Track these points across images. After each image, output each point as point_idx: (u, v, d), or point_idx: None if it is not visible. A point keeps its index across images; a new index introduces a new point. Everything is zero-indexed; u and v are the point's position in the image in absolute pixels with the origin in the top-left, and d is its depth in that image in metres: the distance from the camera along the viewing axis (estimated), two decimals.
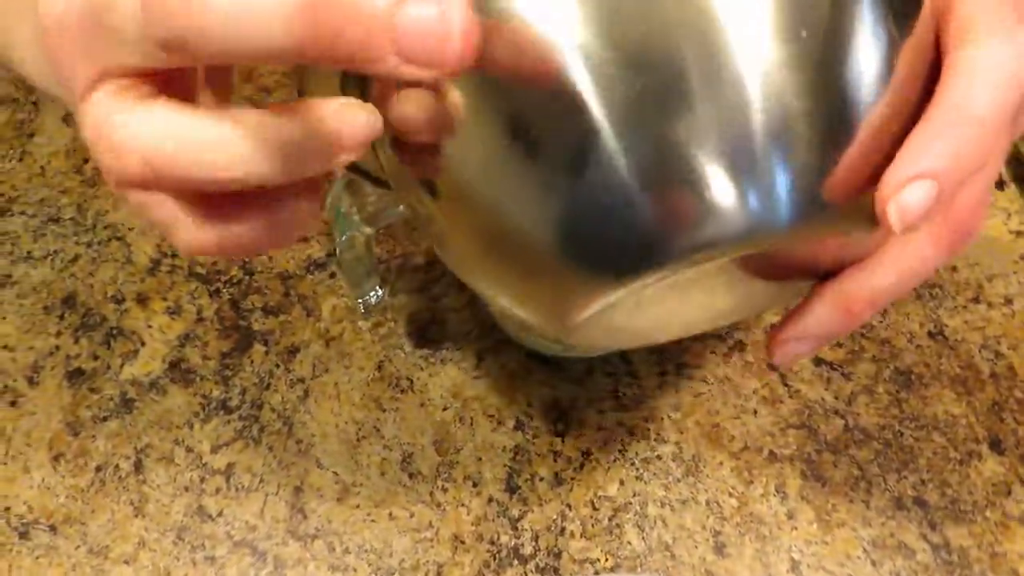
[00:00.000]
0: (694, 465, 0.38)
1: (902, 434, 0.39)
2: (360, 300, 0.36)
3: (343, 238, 0.31)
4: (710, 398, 0.40)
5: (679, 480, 0.38)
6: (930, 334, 0.42)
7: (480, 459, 0.38)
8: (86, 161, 0.46)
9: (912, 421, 0.39)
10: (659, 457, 0.38)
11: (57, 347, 0.40)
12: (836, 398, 0.40)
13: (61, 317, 0.41)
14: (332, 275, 0.43)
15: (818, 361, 0.41)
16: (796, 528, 0.37)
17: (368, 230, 0.31)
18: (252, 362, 0.40)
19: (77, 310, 0.41)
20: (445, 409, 0.40)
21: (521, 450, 0.39)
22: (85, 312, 0.41)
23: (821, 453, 0.39)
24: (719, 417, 0.39)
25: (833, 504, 0.37)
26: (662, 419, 0.39)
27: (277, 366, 0.40)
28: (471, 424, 0.39)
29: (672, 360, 0.41)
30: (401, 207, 0.31)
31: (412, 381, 0.40)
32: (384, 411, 0.40)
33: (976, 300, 0.42)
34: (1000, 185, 0.46)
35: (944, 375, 0.40)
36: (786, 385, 0.40)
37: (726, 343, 0.41)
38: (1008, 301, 0.42)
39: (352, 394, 0.40)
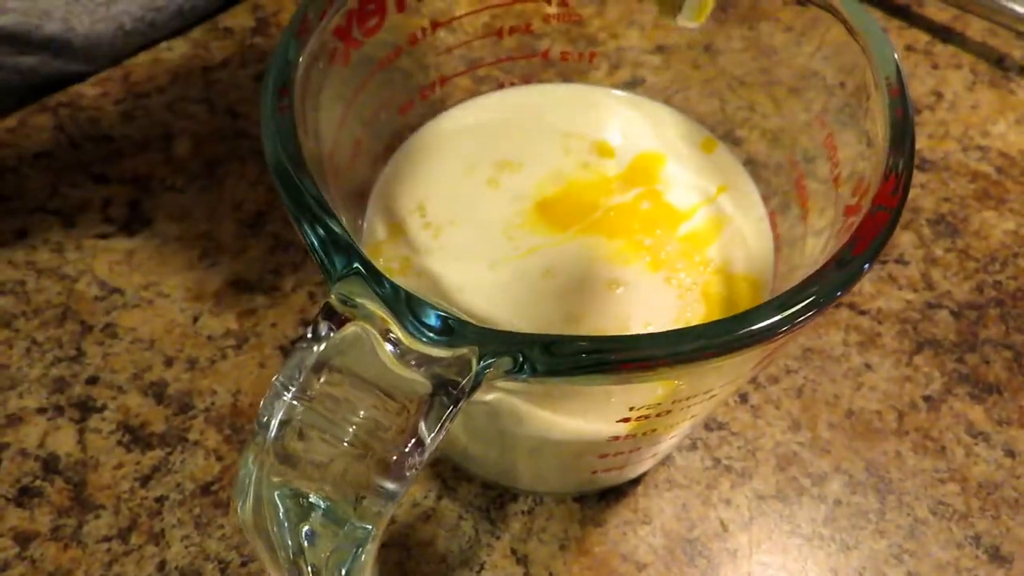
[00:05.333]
0: (884, 484, 0.26)
1: (999, 284, 0.30)
2: None
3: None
4: (812, 382, 0.28)
5: (908, 534, 0.25)
6: (920, 168, 0.34)
7: None
8: None
9: (993, 260, 0.31)
10: (838, 503, 0.25)
11: None
12: (915, 290, 0.30)
13: None
14: None
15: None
16: None
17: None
18: None
19: None
20: None
21: None
22: None
23: (963, 359, 0.28)
24: (841, 400, 0.27)
25: None
26: (794, 453, 0.26)
27: None
28: None
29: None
30: None
31: None
32: None
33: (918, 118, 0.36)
34: None
35: (971, 198, 0.33)
36: (861, 313, 0.29)
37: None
38: (940, 95, 0.36)
39: None
